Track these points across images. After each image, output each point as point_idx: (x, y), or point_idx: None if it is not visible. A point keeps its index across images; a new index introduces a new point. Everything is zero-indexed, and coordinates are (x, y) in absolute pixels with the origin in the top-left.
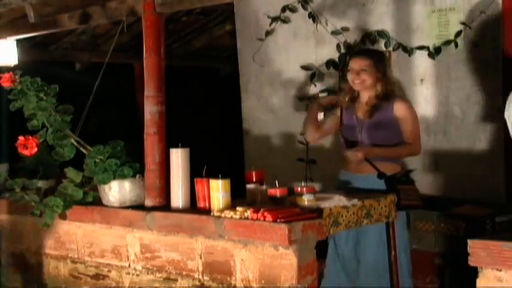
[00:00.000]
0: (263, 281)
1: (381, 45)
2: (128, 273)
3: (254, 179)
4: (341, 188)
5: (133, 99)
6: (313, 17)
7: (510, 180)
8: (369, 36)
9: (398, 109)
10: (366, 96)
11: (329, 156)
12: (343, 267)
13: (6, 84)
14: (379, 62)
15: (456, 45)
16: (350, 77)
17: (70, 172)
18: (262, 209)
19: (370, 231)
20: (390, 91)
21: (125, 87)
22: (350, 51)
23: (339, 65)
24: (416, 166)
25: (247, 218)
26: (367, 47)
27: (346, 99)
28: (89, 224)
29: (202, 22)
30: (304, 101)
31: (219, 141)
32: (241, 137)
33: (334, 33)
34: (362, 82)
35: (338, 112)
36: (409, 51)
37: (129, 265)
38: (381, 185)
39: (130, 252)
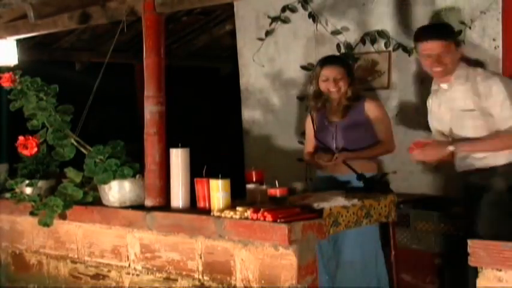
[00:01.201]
0: (263, 281)
1: (381, 45)
2: (128, 273)
3: (254, 179)
4: (319, 189)
5: (134, 99)
6: (313, 17)
7: None
8: (369, 36)
9: (369, 109)
10: (336, 99)
11: None
12: (325, 266)
13: (6, 84)
14: (350, 68)
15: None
16: (325, 85)
17: (70, 172)
18: (262, 209)
19: (348, 230)
20: (358, 92)
21: (125, 87)
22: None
23: None
24: (416, 166)
25: (247, 218)
26: (334, 54)
27: (318, 105)
28: (89, 224)
29: (202, 22)
30: (304, 101)
31: (219, 141)
32: (241, 137)
33: (334, 33)
34: (338, 90)
35: (310, 124)
36: (409, 51)
37: (129, 265)
38: (358, 184)
39: (130, 252)
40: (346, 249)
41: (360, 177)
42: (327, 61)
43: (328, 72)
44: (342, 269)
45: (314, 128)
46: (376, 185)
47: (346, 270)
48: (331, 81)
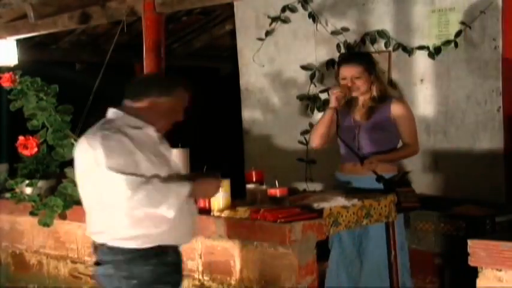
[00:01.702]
0: (263, 281)
1: (381, 45)
2: None
3: (254, 179)
4: (340, 187)
5: None
6: (313, 17)
7: (510, 180)
8: (369, 36)
9: (395, 110)
10: (361, 99)
11: (329, 156)
12: (347, 267)
13: (6, 84)
14: (370, 66)
15: (456, 45)
16: (343, 84)
17: (70, 172)
18: (262, 209)
19: (372, 232)
20: (384, 92)
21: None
22: (340, 57)
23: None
24: (416, 166)
25: (247, 218)
26: (354, 52)
27: (342, 102)
28: None
29: (202, 22)
30: (304, 101)
31: (219, 141)
32: (241, 137)
33: (334, 33)
34: (358, 89)
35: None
36: (409, 51)
37: None
38: (378, 186)
39: None
40: (370, 250)
41: (379, 179)
42: (344, 60)
43: (344, 71)
44: (367, 270)
45: (338, 124)
46: (395, 186)
47: (371, 271)
48: (348, 81)
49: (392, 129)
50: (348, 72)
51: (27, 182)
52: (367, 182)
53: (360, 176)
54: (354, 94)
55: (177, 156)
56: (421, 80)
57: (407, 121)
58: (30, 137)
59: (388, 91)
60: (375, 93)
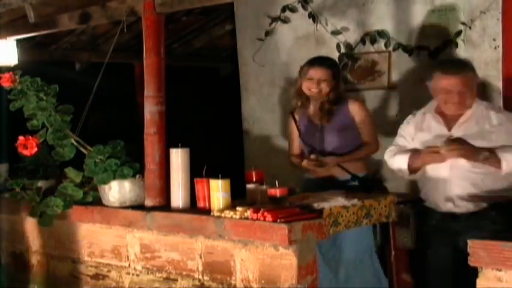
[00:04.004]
0: (263, 281)
1: (381, 45)
2: (128, 273)
3: (254, 179)
4: (310, 191)
5: (134, 99)
6: (313, 17)
7: None
8: (369, 36)
9: (354, 110)
10: (317, 102)
11: None
12: (326, 264)
13: (6, 84)
14: (338, 73)
15: (456, 45)
16: (307, 84)
17: (70, 172)
18: (262, 209)
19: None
20: (341, 95)
21: (125, 87)
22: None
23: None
24: None
25: (247, 218)
26: (325, 56)
27: (299, 104)
28: (89, 224)
29: (202, 22)
30: None
31: (219, 141)
32: (241, 137)
33: (334, 33)
34: (320, 91)
35: (294, 125)
36: (409, 51)
37: (129, 265)
38: (352, 185)
39: (130, 252)
40: (346, 248)
41: (355, 178)
42: (315, 61)
43: (313, 72)
44: (344, 268)
45: (298, 128)
46: (370, 184)
47: (349, 269)
48: (314, 82)
49: (354, 129)
50: (317, 73)
51: (27, 182)
52: (341, 182)
53: (332, 176)
54: (314, 95)
55: (177, 156)
56: (421, 80)
57: (367, 120)
58: (30, 137)
59: (344, 94)
60: (332, 96)
